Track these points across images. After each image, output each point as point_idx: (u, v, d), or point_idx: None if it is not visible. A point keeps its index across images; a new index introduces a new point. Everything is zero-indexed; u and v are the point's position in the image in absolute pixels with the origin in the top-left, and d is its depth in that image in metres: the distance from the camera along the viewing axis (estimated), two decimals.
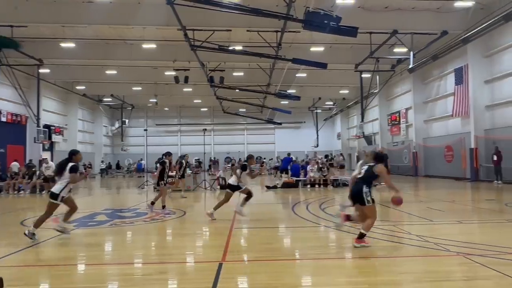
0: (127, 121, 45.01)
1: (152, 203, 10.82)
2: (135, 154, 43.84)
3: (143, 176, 23.79)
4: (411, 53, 21.27)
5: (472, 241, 6.28)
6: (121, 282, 4.76)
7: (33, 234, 6.75)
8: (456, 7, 18.52)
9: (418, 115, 27.09)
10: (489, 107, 20.16)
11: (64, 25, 19.82)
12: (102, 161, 40.02)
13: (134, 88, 34.20)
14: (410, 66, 21.91)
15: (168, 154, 11.51)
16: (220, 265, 5.18)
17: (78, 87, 33.24)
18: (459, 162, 22.21)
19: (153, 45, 23.26)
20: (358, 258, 5.66)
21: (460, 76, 21.65)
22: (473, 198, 14.39)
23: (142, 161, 37.71)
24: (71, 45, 22.59)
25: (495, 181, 18.27)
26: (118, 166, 42.99)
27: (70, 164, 7.05)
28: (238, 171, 9.29)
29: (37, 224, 6.82)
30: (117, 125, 45.18)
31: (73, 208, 7.26)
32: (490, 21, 16.42)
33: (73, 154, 7.23)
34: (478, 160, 20.25)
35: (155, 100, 37.49)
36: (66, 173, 7.00)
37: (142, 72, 29.63)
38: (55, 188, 6.99)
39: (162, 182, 11.12)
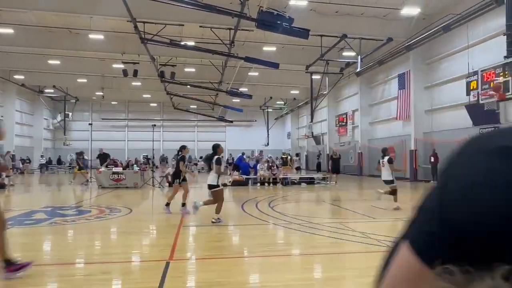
0: (70, 114, 42.71)
1: (168, 204, 9.79)
2: (78, 149, 41.76)
3: (87, 173, 22.75)
4: (359, 57, 22.13)
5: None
6: (60, 283, 4.50)
7: None
8: (401, 15, 19.49)
9: (364, 117, 28.25)
10: (428, 112, 21.45)
11: (1, 8, 18.44)
12: (42, 156, 37.69)
13: (79, 80, 32.51)
14: (358, 70, 22.80)
15: (184, 147, 10.37)
16: (168, 264, 5.06)
17: (16, 76, 31.00)
18: (401, 163, 23.44)
19: (100, 36, 22.28)
20: (305, 255, 5.78)
21: (403, 81, 22.84)
22: (412, 197, 15.24)
23: (86, 157, 35.98)
24: (9, 31, 21.03)
25: (432, 181, 19.49)
26: (59, 162, 40.73)
27: None
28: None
29: None
30: (59, 118, 42.74)
31: None
32: (431, 31, 17.49)
33: None
34: (417, 161, 21.52)
35: (101, 94, 35.93)
36: None
37: (88, 63, 28.25)
38: None
39: (178, 180, 9.91)
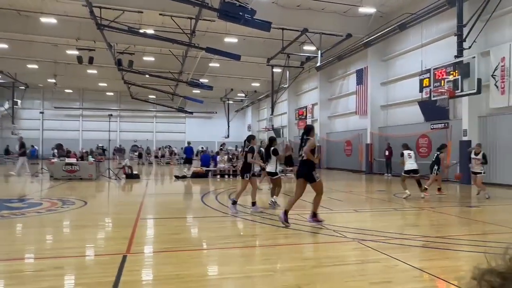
0: (19, 102, 40.31)
1: (234, 202, 8.73)
2: (28, 139, 39.35)
3: (37, 163, 21.63)
4: (319, 52, 22.50)
5: (365, 228, 6.88)
6: (7, 280, 4.27)
7: None
8: (360, 12, 19.98)
9: (323, 111, 28.83)
10: (384, 107, 22.24)
11: None
12: None
13: (29, 66, 30.68)
14: (318, 64, 23.19)
15: (253, 137, 9.29)
16: (124, 258, 4.93)
17: None
18: (357, 156, 24.20)
19: (53, 20, 21.12)
20: (263, 246, 5.84)
21: (360, 77, 23.51)
22: (367, 189, 15.80)
23: (36, 147, 34.27)
24: None
25: (386, 174, 20.30)
26: (7, 152, 38.47)
27: None
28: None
29: None
30: (7, 105, 40.28)
31: None
32: (388, 29, 18.09)
33: None
34: (373, 155, 22.31)
35: (53, 81, 34.15)
36: None
37: (39, 48, 26.72)
38: None
39: (248, 174, 8.82)
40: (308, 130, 7.29)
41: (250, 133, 48.84)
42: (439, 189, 12.23)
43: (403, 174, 11.88)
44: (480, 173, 11.29)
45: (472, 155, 11.51)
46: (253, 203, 8.78)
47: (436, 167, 11.92)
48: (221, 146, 28.43)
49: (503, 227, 7.28)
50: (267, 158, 9.53)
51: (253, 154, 8.78)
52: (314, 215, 7.22)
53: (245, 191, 9.00)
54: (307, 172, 7.05)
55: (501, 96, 14.57)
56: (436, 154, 12.17)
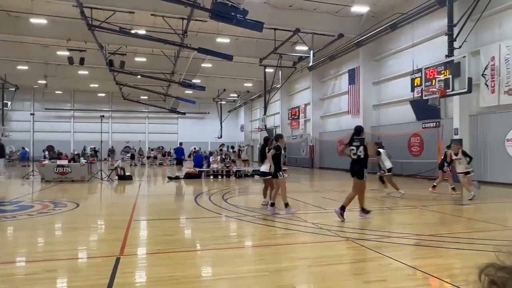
0: (9, 103, 39.89)
1: (272, 204, 8.58)
2: (19, 141, 39.18)
3: (28, 166, 21.36)
4: (311, 52, 22.56)
5: (358, 227, 6.91)
6: None
7: None
8: (352, 12, 20.06)
9: (315, 111, 28.91)
10: (376, 106, 22.35)
11: None
12: None
13: (19, 67, 30.37)
14: (310, 64, 23.24)
15: (281, 136, 9.00)
16: (118, 260, 4.90)
17: None
18: None
19: (43, 20, 20.92)
20: (258, 246, 5.83)
21: (353, 77, 23.61)
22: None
23: (27, 149, 33.91)
24: None
25: (378, 173, 20.36)
26: None
27: None
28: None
29: None
30: None
31: None
32: (379, 29, 18.19)
33: None
34: None
35: (44, 82, 33.83)
36: None
37: (29, 49, 26.44)
38: None
39: (280, 173, 8.58)
40: (360, 131, 7.92)
41: (242, 133, 48.75)
42: (453, 189, 12.02)
43: (386, 173, 11.91)
44: (468, 172, 10.82)
45: (453, 156, 11.05)
46: (272, 204, 8.60)
47: (446, 164, 12.03)
48: (220, 146, 28.35)
49: (495, 225, 7.35)
50: (262, 158, 9.49)
51: (280, 153, 8.57)
52: (363, 210, 7.80)
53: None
54: (359, 170, 7.66)
55: (491, 95, 14.73)
56: (445, 152, 12.25)
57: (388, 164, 11.88)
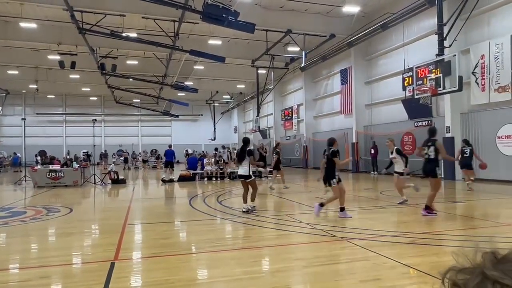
0: (0, 108, 39.57)
1: (342, 209, 8.00)
2: (10, 146, 38.81)
3: (20, 171, 21.14)
4: (303, 52, 22.62)
5: (353, 226, 6.94)
6: None
7: None
8: (343, 12, 20.16)
9: (308, 111, 28.99)
10: (368, 106, 22.47)
11: None
12: None
13: (10, 72, 30.12)
14: (302, 65, 23.31)
15: (334, 140, 8.51)
16: (113, 264, 4.87)
17: None
18: (343, 155, 24.35)
19: (33, 25, 20.76)
20: (254, 248, 5.83)
21: (345, 77, 23.71)
22: (354, 187, 15.91)
23: (18, 154, 33.56)
24: None
25: (372, 172, 20.49)
26: None
27: None
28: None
29: None
30: None
31: None
32: (370, 29, 18.30)
33: None
34: (359, 153, 22.50)
35: (35, 86, 33.55)
36: None
37: (19, 54, 26.23)
38: None
39: (334, 179, 8.02)
40: (433, 132, 8.28)
41: (236, 135, 48.59)
42: (468, 182, 12.35)
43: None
44: (402, 173, 9.75)
45: (389, 155, 10.07)
46: (342, 209, 7.99)
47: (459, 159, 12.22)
48: (215, 151, 28.21)
49: (487, 221, 7.42)
50: (241, 160, 9.00)
51: (339, 157, 8.20)
52: (427, 208, 7.95)
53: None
54: (431, 168, 8.03)
55: (481, 93, 14.88)
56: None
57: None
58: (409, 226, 7.29)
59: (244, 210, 8.78)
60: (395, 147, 9.88)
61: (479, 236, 6.08)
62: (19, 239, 6.84)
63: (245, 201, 8.93)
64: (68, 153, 31.03)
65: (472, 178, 12.26)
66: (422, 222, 7.66)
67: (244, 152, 8.95)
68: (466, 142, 12.52)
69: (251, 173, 8.93)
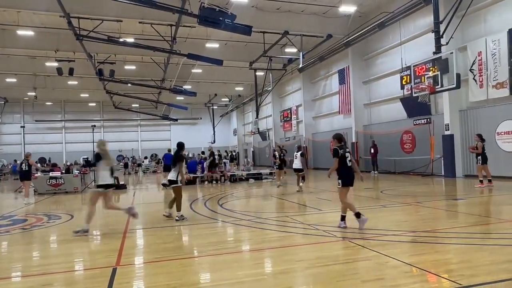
0: None
1: (357, 214, 6.91)
2: (10, 154, 38.85)
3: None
4: (301, 53, 22.65)
5: (354, 226, 6.92)
6: None
7: None
8: (339, 13, 20.20)
9: (307, 112, 29.00)
10: (367, 105, 22.49)
11: None
12: None
13: (8, 80, 30.15)
14: (300, 66, 23.33)
15: (340, 135, 8.03)
16: (114, 270, 4.86)
17: None
18: None
19: (30, 32, 20.77)
20: (255, 250, 5.82)
21: (343, 77, 23.74)
22: (354, 187, 15.87)
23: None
24: None
25: (372, 171, 20.48)
26: None
27: None
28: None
29: None
30: None
31: None
32: (367, 28, 18.33)
33: None
34: (359, 153, 22.50)
35: (33, 94, 33.56)
36: None
37: (17, 61, 26.28)
38: None
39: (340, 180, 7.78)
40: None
41: (235, 137, 48.71)
42: (489, 181, 12.36)
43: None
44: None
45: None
46: (358, 214, 6.96)
47: (479, 157, 12.24)
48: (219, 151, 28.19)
49: (489, 218, 7.41)
50: (173, 165, 8.85)
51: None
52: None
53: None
54: None
55: (479, 90, 14.90)
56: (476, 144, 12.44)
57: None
58: (411, 225, 7.29)
59: (165, 214, 9.01)
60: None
61: (481, 233, 6.08)
62: (20, 247, 6.82)
63: (170, 206, 8.97)
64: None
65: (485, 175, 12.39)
66: (423, 220, 7.66)
67: (177, 156, 8.87)
68: (481, 137, 12.52)
69: (178, 179, 8.71)
